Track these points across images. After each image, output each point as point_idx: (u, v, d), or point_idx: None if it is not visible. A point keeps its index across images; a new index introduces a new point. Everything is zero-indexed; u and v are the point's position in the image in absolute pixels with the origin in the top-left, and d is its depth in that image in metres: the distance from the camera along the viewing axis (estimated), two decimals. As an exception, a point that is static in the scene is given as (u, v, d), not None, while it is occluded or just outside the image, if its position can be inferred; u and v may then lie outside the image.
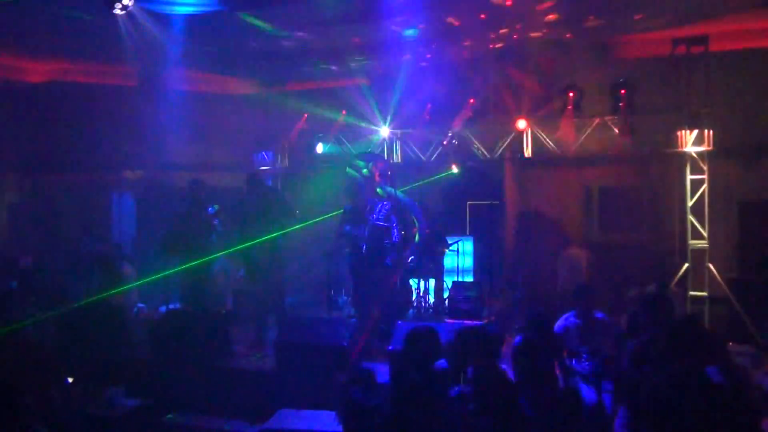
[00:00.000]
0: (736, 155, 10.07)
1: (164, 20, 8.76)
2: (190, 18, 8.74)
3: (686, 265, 9.58)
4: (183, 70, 10.83)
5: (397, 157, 11.97)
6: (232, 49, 10.45)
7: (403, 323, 7.78)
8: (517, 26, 9.58)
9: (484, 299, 9.63)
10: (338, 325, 7.87)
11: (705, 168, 9.58)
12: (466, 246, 10.84)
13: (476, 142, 11.13)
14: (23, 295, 8.93)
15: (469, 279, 10.69)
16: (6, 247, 11.04)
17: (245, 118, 12.58)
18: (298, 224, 9.11)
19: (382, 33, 9.59)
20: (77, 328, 7.99)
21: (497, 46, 10.36)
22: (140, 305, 10.07)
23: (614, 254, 10.49)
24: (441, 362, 4.95)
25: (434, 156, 11.53)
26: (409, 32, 9.61)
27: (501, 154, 11.10)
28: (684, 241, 9.74)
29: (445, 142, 11.09)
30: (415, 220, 9.52)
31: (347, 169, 9.54)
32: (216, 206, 9.04)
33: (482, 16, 9.09)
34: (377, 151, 11.69)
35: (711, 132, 9.48)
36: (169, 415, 7.17)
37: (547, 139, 10.58)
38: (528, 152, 10.81)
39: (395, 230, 8.46)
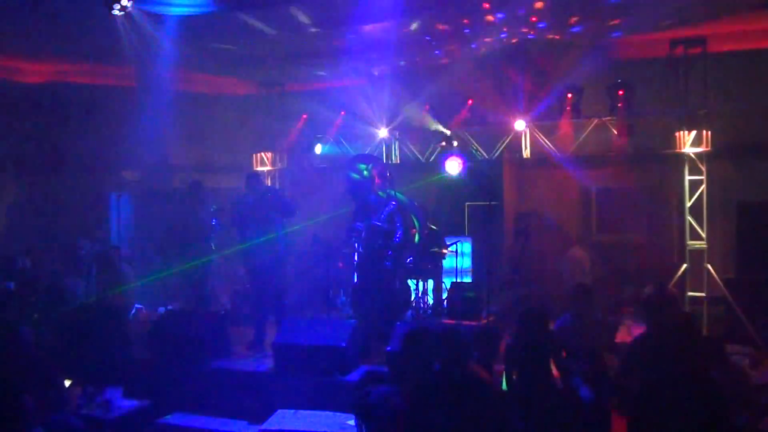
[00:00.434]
0: (735, 156, 10.09)
1: (162, 21, 8.76)
2: (188, 18, 8.74)
3: (684, 265, 9.59)
4: (181, 70, 10.83)
5: (395, 158, 11.97)
6: (230, 50, 10.44)
7: (402, 324, 7.79)
8: (504, 29, 9.60)
9: (483, 300, 9.62)
10: (337, 325, 7.87)
11: (703, 169, 9.59)
12: (465, 247, 10.83)
13: (475, 143, 11.14)
14: (21, 295, 8.92)
15: (468, 280, 10.68)
16: (4, 248, 11.02)
17: (244, 118, 12.59)
18: (297, 225, 9.13)
19: (379, 35, 9.60)
20: (75, 329, 7.98)
21: (494, 47, 10.38)
22: (138, 306, 10.07)
23: (612, 255, 10.50)
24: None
25: (433, 157, 11.53)
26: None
27: (499, 154, 11.11)
28: (682, 242, 9.76)
29: (443, 143, 11.09)
30: (415, 221, 9.52)
31: (351, 174, 9.58)
32: (214, 207, 9.05)
33: (465, 21, 9.14)
34: (375, 152, 11.70)
35: (709, 133, 9.49)
36: (167, 416, 7.17)
37: (546, 140, 10.59)
38: (526, 153, 10.82)
39: (399, 231, 8.46)
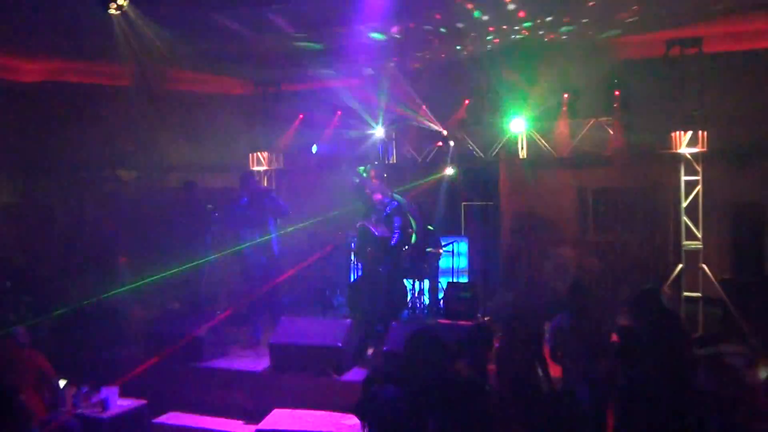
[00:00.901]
0: (731, 156, 10.09)
1: (158, 20, 8.74)
2: (184, 17, 8.72)
3: (680, 265, 9.59)
4: (177, 70, 10.80)
5: (392, 158, 11.96)
6: (226, 50, 10.42)
7: (398, 324, 7.80)
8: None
9: (479, 300, 9.64)
10: (333, 325, 7.87)
11: (699, 169, 9.60)
12: (461, 247, 10.85)
13: (471, 143, 11.13)
14: (17, 295, 8.91)
15: (464, 280, 10.70)
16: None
17: (240, 118, 12.56)
18: (294, 225, 9.13)
19: (375, 35, 9.59)
20: (72, 329, 7.98)
21: (489, 47, 10.37)
22: (135, 306, 10.03)
23: (608, 255, 10.51)
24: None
25: (429, 157, 11.52)
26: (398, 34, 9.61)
27: (496, 155, 11.11)
28: (678, 242, 9.76)
29: (440, 143, 11.09)
30: (412, 221, 9.53)
31: (354, 178, 9.64)
32: (210, 206, 9.04)
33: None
34: (372, 153, 11.69)
35: (705, 133, 9.50)
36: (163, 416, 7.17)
37: (542, 140, 10.59)
38: (523, 153, 10.81)
39: (396, 234, 8.47)
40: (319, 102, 11.94)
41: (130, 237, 11.65)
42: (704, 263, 9.42)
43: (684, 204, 9.63)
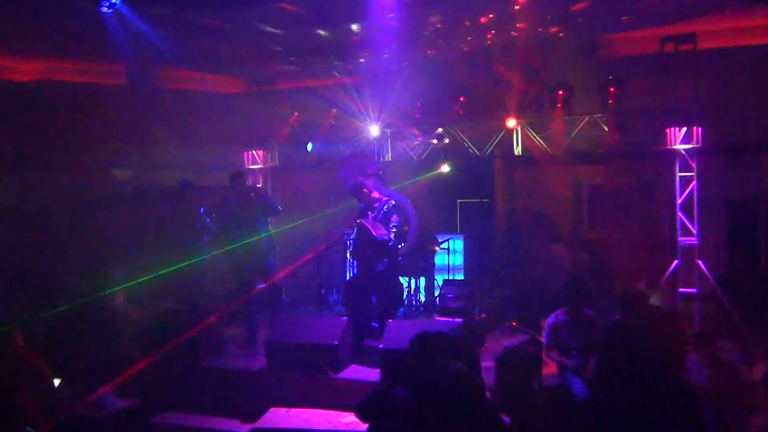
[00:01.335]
0: (725, 152, 10.12)
1: (152, 18, 8.72)
2: (179, 16, 8.70)
3: (676, 262, 9.61)
4: (172, 68, 10.78)
5: (387, 156, 11.96)
6: (221, 48, 10.41)
7: (394, 322, 7.80)
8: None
9: (475, 297, 9.65)
10: (329, 323, 7.87)
11: (694, 165, 9.61)
12: (457, 244, 10.86)
13: (466, 141, 11.14)
14: (12, 295, 8.88)
15: (460, 277, 10.71)
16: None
17: (235, 116, 12.54)
18: (289, 223, 9.12)
19: (371, 32, 9.59)
20: (67, 329, 7.96)
21: (486, 44, 10.37)
22: (131, 305, 10.01)
23: (604, 251, 10.53)
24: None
25: (425, 154, 11.53)
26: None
27: (491, 152, 11.11)
28: (673, 238, 9.78)
29: (435, 141, 11.09)
30: (408, 218, 9.53)
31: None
32: (203, 211, 9.02)
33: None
34: (367, 151, 11.70)
35: (700, 129, 9.51)
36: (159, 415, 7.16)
37: (537, 137, 10.60)
38: (518, 150, 10.81)
39: (394, 231, 8.47)
40: (314, 100, 11.92)
41: (126, 236, 11.66)
42: (700, 259, 9.43)
43: (679, 200, 9.65)
